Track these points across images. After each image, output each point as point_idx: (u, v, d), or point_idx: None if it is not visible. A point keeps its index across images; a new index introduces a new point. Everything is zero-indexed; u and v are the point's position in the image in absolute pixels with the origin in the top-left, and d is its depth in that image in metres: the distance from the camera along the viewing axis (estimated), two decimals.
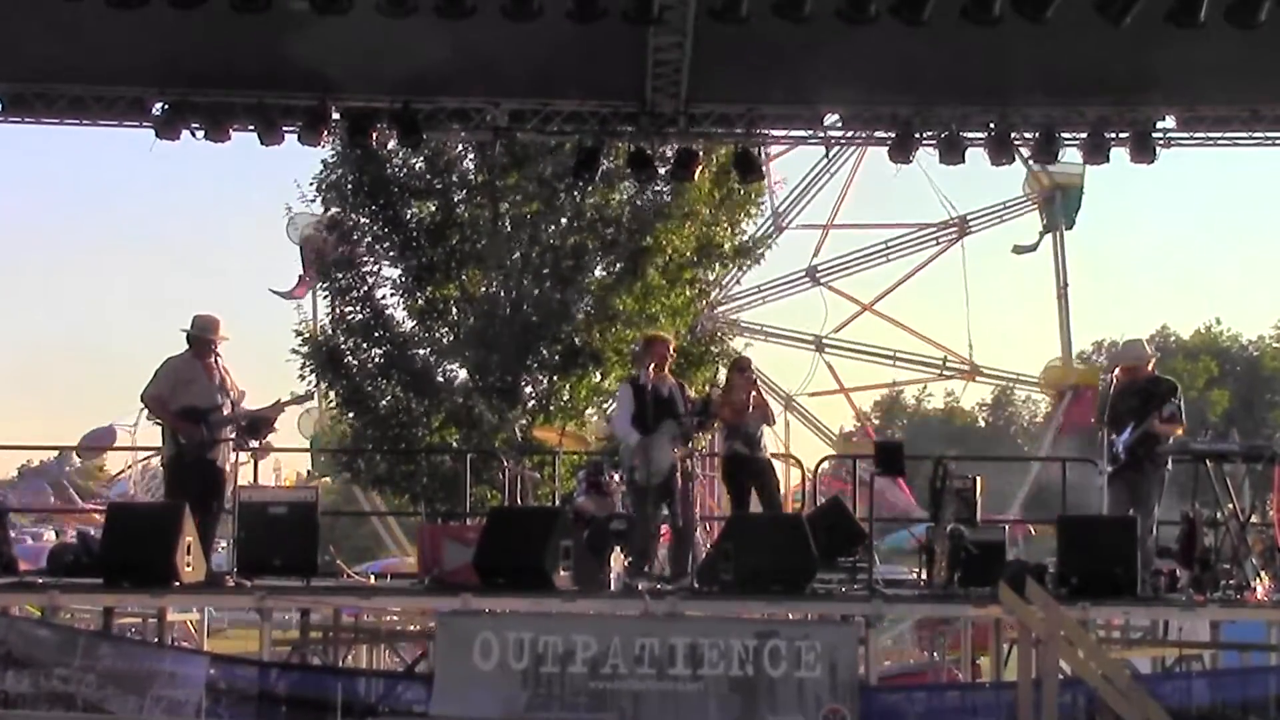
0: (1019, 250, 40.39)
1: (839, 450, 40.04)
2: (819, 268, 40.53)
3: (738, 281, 37.76)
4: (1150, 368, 12.63)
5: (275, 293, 28.09)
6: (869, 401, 53.12)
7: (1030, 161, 36.94)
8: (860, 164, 39.80)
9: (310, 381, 24.07)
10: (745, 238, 25.22)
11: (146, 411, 12.40)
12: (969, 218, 39.94)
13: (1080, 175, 38.30)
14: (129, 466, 33.91)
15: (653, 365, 12.37)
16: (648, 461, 11.94)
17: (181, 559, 10.62)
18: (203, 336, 11.74)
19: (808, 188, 40.30)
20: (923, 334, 42.59)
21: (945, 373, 40.98)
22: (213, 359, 11.74)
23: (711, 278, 25.84)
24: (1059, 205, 38.35)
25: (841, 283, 41.29)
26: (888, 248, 40.67)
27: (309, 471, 28.17)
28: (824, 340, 40.95)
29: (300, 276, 27.39)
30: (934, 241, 40.56)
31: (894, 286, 42.49)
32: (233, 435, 11.77)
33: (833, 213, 41.33)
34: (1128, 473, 11.96)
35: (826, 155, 38.71)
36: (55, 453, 36.87)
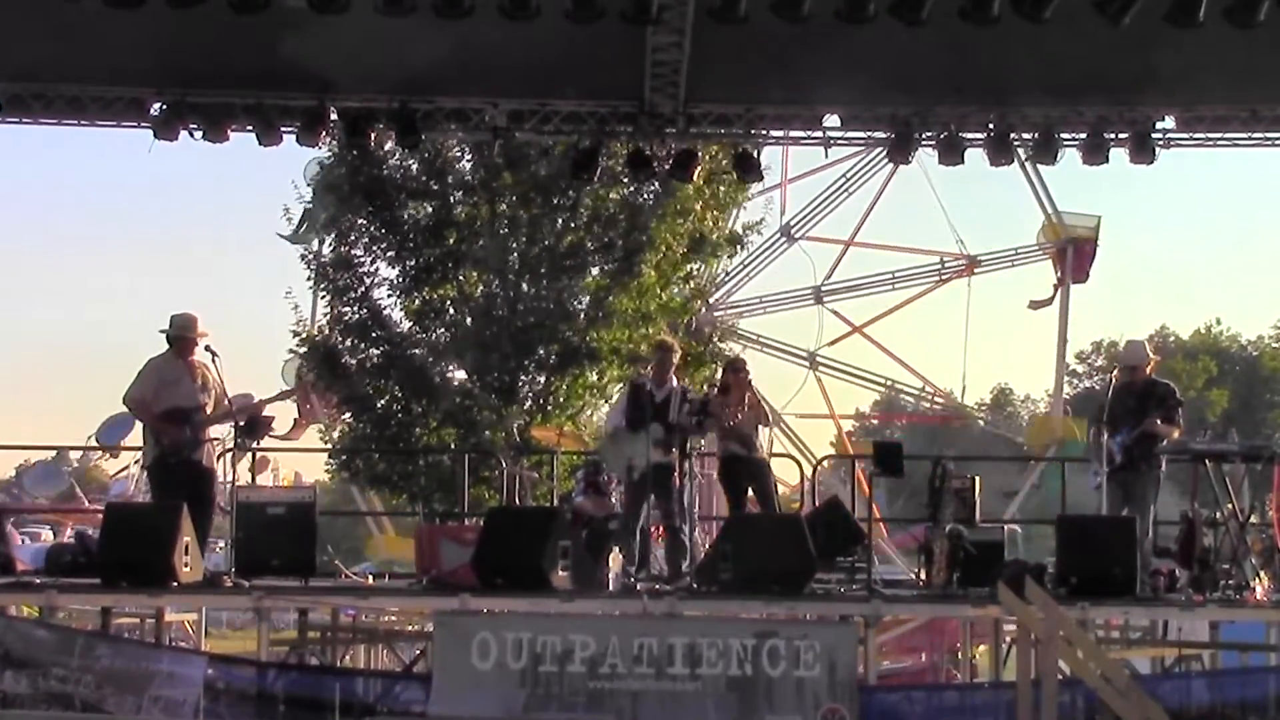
0: (1035, 305, 40.36)
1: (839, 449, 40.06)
2: (824, 288, 40.43)
3: (736, 284, 37.77)
4: (1149, 370, 12.62)
5: (282, 236, 27.73)
6: (867, 402, 53.09)
7: (1046, 208, 37.47)
8: (885, 189, 39.76)
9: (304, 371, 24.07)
10: (739, 224, 25.25)
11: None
12: (979, 258, 39.89)
13: (1095, 227, 38.29)
14: (125, 467, 33.81)
15: (654, 369, 12.45)
16: (618, 454, 11.99)
17: (179, 559, 10.61)
18: (183, 335, 11.65)
19: (822, 203, 40.21)
20: (914, 367, 42.70)
21: (947, 274, 40.62)
22: (196, 358, 11.66)
23: (706, 272, 25.85)
24: (1071, 258, 38.24)
25: (843, 305, 41.23)
26: (894, 278, 40.59)
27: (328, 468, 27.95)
28: (817, 357, 40.84)
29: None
30: (939, 277, 40.50)
31: (890, 311, 42.36)
32: (217, 437, 11.74)
33: (852, 234, 41.21)
34: (1123, 474, 11.95)
35: (845, 177, 38.93)
36: (53, 454, 36.71)
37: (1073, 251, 38.07)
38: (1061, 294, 39.14)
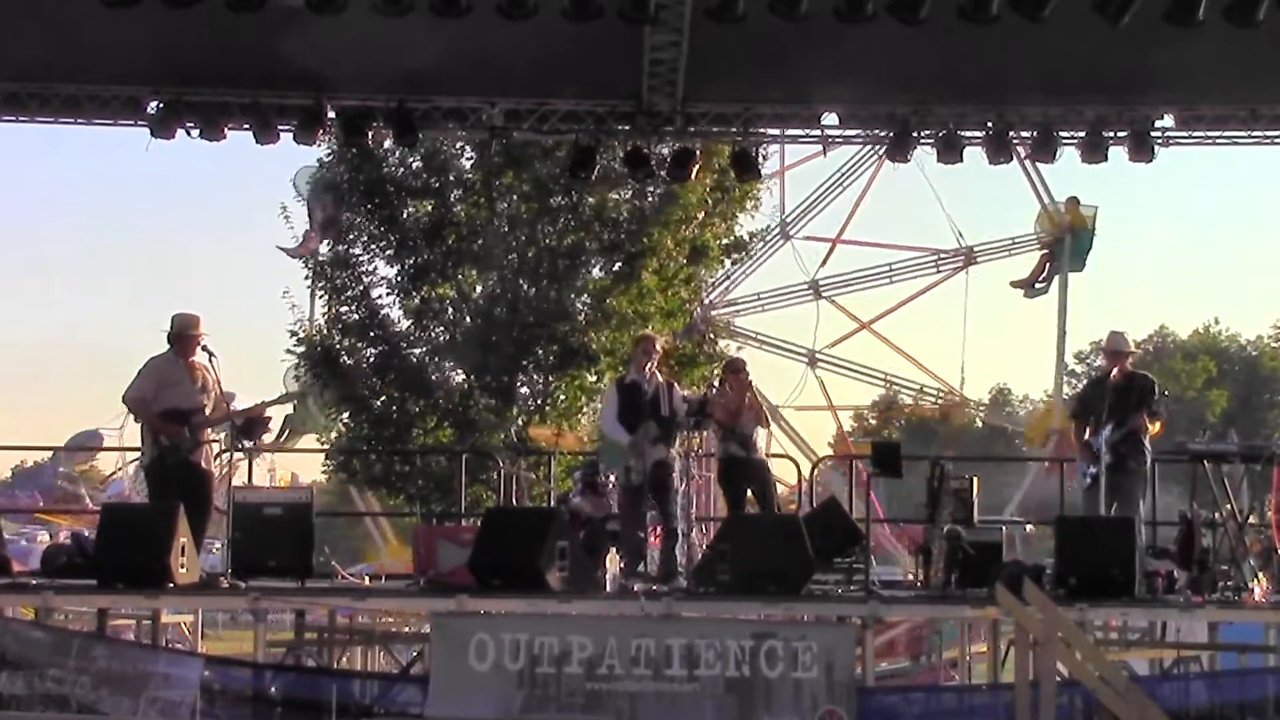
0: (1031, 294, 40.32)
1: (841, 448, 40.02)
2: (822, 282, 40.44)
3: (733, 283, 37.76)
4: (1129, 362, 12.58)
5: (282, 249, 27.64)
6: (867, 399, 53.04)
7: (1043, 197, 37.42)
8: (874, 181, 39.75)
9: (305, 381, 24.02)
10: (742, 231, 25.20)
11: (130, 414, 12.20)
12: (976, 249, 39.88)
13: (1092, 215, 38.28)
14: (120, 468, 33.88)
15: (644, 365, 12.34)
16: (639, 459, 11.91)
17: (175, 560, 10.58)
18: (185, 334, 11.57)
19: (819, 199, 40.21)
20: (917, 359, 42.76)
21: (944, 267, 40.61)
22: (195, 359, 11.61)
23: (708, 277, 25.79)
24: (1068, 247, 38.23)
25: (843, 299, 41.23)
26: (891, 270, 40.60)
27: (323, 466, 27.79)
28: (817, 355, 40.83)
29: (307, 232, 26.99)
30: (935, 269, 40.50)
31: (894, 309, 42.41)
32: (218, 437, 11.69)
33: (842, 228, 41.23)
34: (1111, 472, 11.90)
35: (840, 172, 38.95)
36: (49, 454, 36.80)
37: (1070, 239, 38.10)
38: (1059, 286, 39.17)
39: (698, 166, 15.17)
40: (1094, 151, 13.66)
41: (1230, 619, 11.32)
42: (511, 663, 9.64)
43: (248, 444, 12.40)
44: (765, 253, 38.33)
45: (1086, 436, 12.27)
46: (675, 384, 12.95)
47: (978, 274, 40.41)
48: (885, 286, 41.18)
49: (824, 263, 40.98)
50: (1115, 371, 12.38)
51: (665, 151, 15.57)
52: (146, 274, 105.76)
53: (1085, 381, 11.53)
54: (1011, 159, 14.11)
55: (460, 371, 23.10)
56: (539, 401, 22.60)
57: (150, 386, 11.43)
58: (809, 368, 40.86)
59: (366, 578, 13.32)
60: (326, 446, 24.44)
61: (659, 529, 12.41)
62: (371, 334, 22.94)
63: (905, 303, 42.27)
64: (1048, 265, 39.08)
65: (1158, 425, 12.16)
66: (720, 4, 10.51)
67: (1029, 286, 39.76)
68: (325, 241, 24.65)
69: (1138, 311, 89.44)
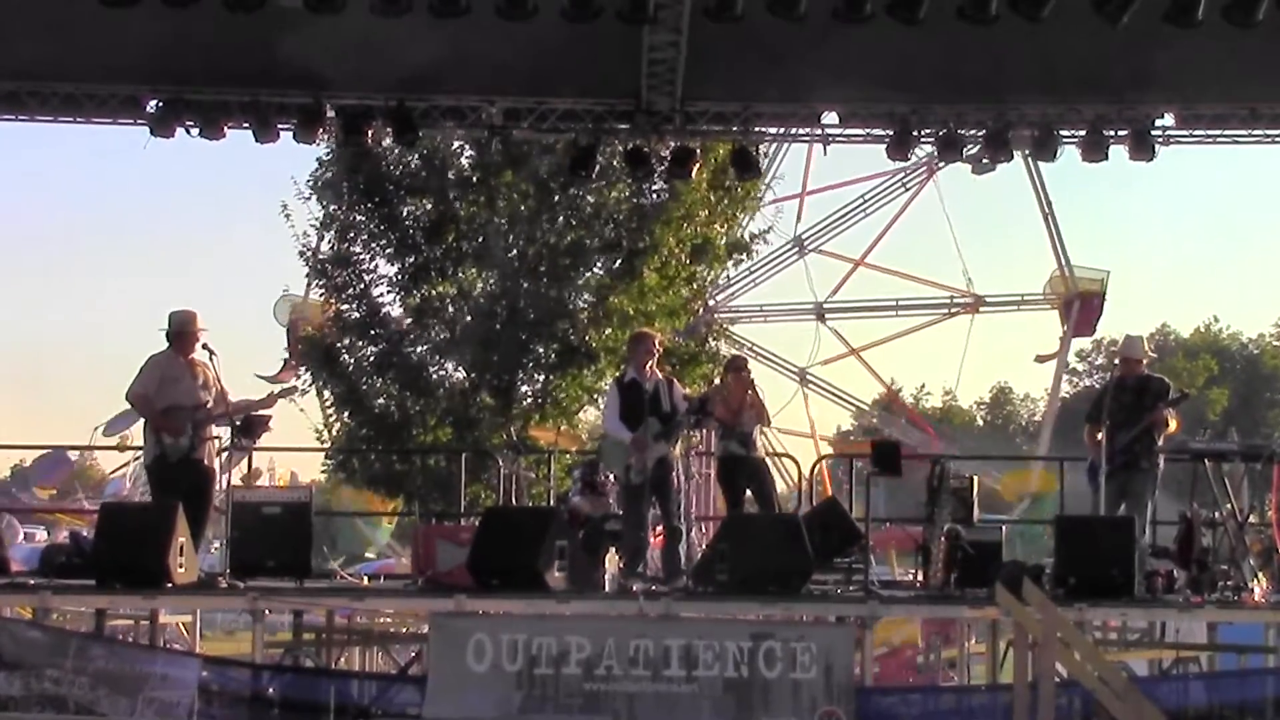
0: (1041, 360, 40.53)
1: (841, 446, 40.00)
2: (827, 306, 40.43)
3: (740, 288, 37.82)
4: (1144, 366, 12.60)
5: (261, 377, 27.68)
6: (871, 394, 53.11)
7: (1059, 257, 37.22)
8: (904, 213, 39.80)
9: (305, 380, 24.02)
10: (743, 231, 25.18)
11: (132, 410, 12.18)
12: (986, 298, 39.97)
13: (1103, 281, 38.31)
14: (122, 466, 33.80)
15: (643, 363, 12.31)
16: (640, 457, 11.88)
17: (174, 560, 10.57)
18: (183, 331, 11.57)
19: (839, 220, 40.21)
20: (901, 399, 42.78)
21: (952, 310, 40.58)
22: (195, 356, 11.59)
23: (709, 277, 25.76)
24: (1078, 312, 38.26)
25: (844, 325, 41.25)
26: (898, 305, 40.67)
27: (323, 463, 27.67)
28: (808, 374, 40.81)
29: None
30: (945, 311, 40.53)
31: (890, 338, 42.33)
32: (218, 435, 11.68)
33: (865, 253, 41.31)
34: (1122, 473, 11.91)
35: (863, 198, 38.92)
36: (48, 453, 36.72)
37: (1079, 305, 38.10)
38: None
39: (697, 165, 15.15)
40: (1094, 150, 13.64)
41: (1230, 619, 11.32)
42: (510, 663, 9.64)
43: (248, 443, 12.38)
44: (777, 266, 38.41)
45: (1099, 437, 12.22)
46: (675, 380, 12.94)
47: (981, 322, 40.55)
48: (889, 319, 41.28)
49: (838, 289, 41.00)
50: (1129, 374, 12.40)
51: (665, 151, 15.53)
52: (146, 274, 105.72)
53: (1094, 385, 11.52)
54: (1011, 158, 14.12)
55: (460, 370, 23.09)
56: (539, 400, 22.58)
57: (152, 383, 11.42)
58: (819, 322, 40.77)
59: (365, 578, 13.31)
60: (326, 446, 24.37)
61: (659, 529, 12.39)
62: (372, 332, 22.93)
63: (902, 335, 42.32)
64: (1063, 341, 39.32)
65: (1175, 423, 12.16)
66: (719, 3, 10.48)
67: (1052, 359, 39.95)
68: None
69: (1139, 309, 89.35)
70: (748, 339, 39.71)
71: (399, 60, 12.42)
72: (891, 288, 41.26)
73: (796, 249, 39.58)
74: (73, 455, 38.49)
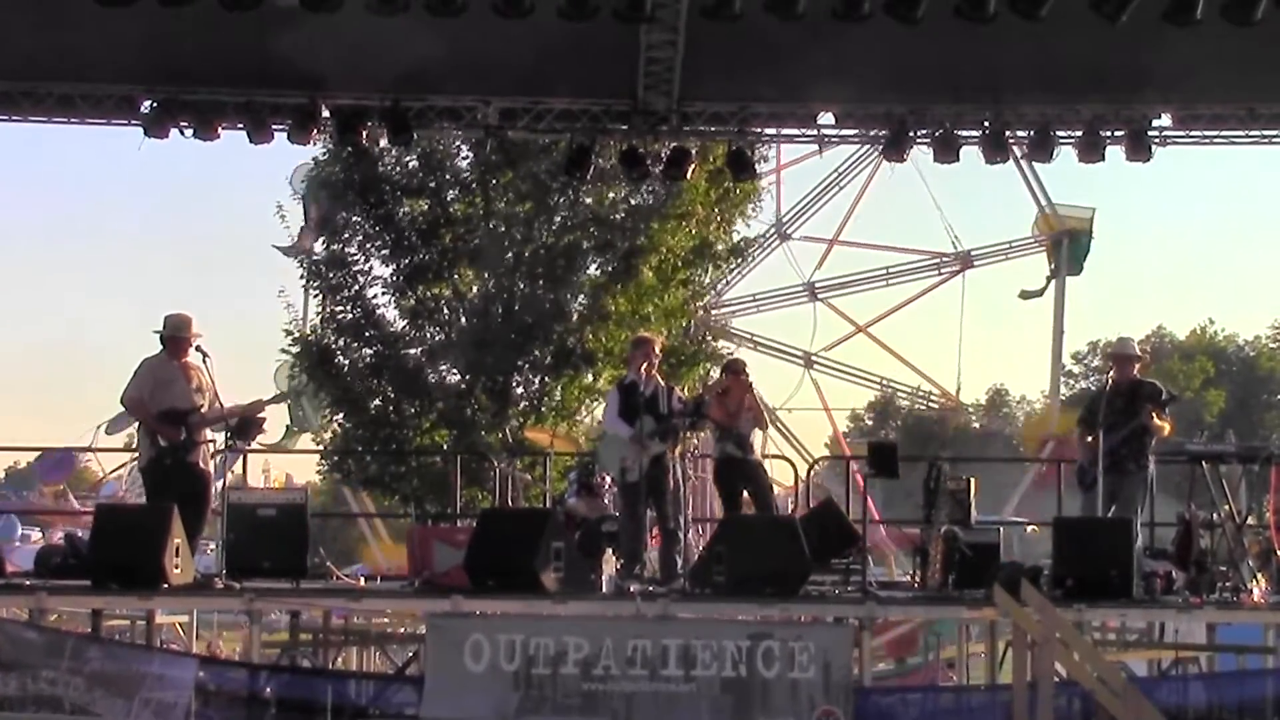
0: (1025, 295, 40.32)
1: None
2: (818, 284, 40.38)
3: (729, 283, 37.70)
4: (1137, 370, 12.56)
5: (278, 248, 27.45)
6: (863, 401, 53.09)
7: (1040, 200, 37.38)
8: (871, 182, 39.70)
9: (298, 381, 23.98)
10: (740, 238, 25.14)
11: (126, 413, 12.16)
12: (973, 252, 39.83)
13: (1089, 219, 38.27)
14: (119, 467, 33.82)
15: (640, 365, 12.29)
16: (637, 455, 11.87)
17: (170, 561, 10.55)
18: (177, 335, 11.55)
19: (815, 199, 40.15)
20: (913, 363, 42.74)
21: (943, 270, 40.52)
22: (189, 359, 11.57)
23: (706, 279, 25.74)
24: (1066, 250, 38.21)
25: (839, 301, 41.16)
26: (889, 273, 40.55)
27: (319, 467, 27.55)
28: (814, 357, 40.76)
29: (302, 229, 26.81)
30: (936, 272, 40.47)
31: (890, 312, 42.34)
32: (213, 438, 11.66)
33: (838, 229, 41.17)
34: (1111, 476, 11.86)
35: (837, 172, 38.89)
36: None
37: (1068, 242, 38.07)
38: (1056, 288, 39.13)
39: (694, 166, 15.12)
40: (1091, 151, 13.64)
41: (1228, 620, 11.32)
42: (507, 663, 9.62)
43: (242, 445, 12.35)
44: (761, 253, 38.27)
45: (1090, 440, 12.20)
46: (674, 387, 12.92)
47: (974, 277, 40.44)
48: (881, 289, 41.18)
49: (820, 264, 40.97)
50: (1122, 377, 12.36)
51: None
52: (144, 274, 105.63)
53: (1091, 387, 11.52)
54: (1009, 158, 14.09)
55: (456, 372, 23.05)
56: (535, 402, 22.55)
57: (146, 387, 11.41)
58: (805, 370, 40.82)
59: (362, 579, 13.28)
60: (321, 447, 24.35)
61: (656, 530, 12.37)
62: (367, 334, 22.89)
63: (901, 306, 42.26)
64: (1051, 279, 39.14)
65: (1168, 427, 12.13)
66: (716, 3, 10.46)
67: (1040, 296, 39.82)
68: (320, 239, 24.55)
69: (1135, 312, 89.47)
70: (747, 332, 39.67)
71: (394, 60, 12.39)
72: (879, 259, 41.22)
73: (778, 236, 39.49)
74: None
